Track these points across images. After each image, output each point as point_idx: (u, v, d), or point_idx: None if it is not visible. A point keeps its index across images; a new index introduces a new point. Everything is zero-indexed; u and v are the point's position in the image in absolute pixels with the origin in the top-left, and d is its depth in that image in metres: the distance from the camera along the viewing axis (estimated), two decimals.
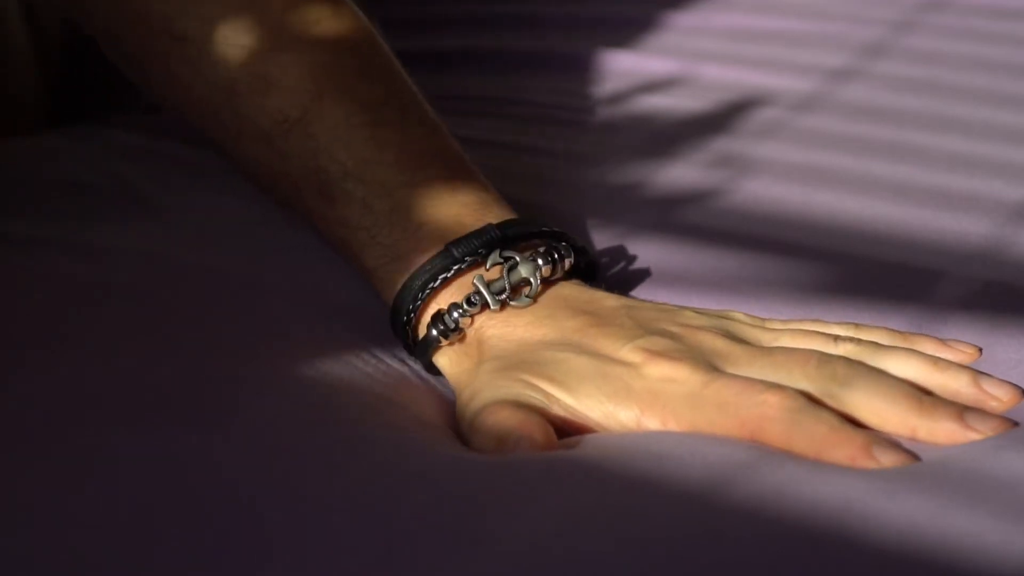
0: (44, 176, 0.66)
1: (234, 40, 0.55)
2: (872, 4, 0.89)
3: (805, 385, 0.45)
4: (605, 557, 0.37)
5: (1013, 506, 0.38)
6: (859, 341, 0.48)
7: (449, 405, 0.51)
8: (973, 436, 0.43)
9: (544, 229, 0.51)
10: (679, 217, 0.63)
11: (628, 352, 0.46)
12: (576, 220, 0.62)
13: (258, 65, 0.55)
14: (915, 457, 0.42)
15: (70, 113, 0.79)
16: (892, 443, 0.42)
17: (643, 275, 0.58)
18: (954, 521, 0.37)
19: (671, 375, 0.45)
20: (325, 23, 0.56)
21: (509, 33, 0.87)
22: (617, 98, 0.78)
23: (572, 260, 0.51)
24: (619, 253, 0.60)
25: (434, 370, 0.52)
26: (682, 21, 0.88)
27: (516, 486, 0.43)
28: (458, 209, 0.51)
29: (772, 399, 0.43)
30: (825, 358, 0.46)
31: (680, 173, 0.67)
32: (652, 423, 0.45)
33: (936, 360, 0.46)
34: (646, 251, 0.60)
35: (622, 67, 0.81)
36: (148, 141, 0.69)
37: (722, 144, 0.70)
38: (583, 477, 0.43)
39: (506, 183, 0.57)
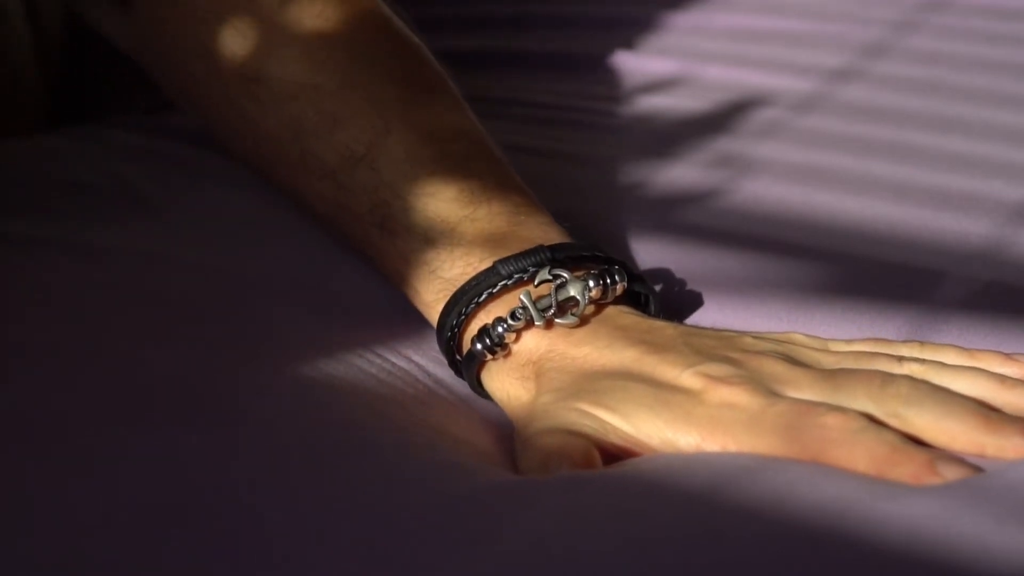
0: (44, 176, 0.66)
1: (304, 79, 0.55)
2: (872, 4, 0.89)
3: (870, 407, 0.44)
4: (606, 557, 0.37)
5: (1016, 508, 0.38)
6: (923, 361, 0.47)
7: (454, 403, 0.51)
8: None
9: (599, 254, 0.51)
10: (679, 217, 0.63)
11: (687, 378, 0.46)
12: (576, 220, 0.62)
13: (327, 102, 0.55)
14: (979, 471, 0.41)
15: (70, 113, 0.79)
16: (955, 458, 0.42)
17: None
18: (956, 523, 0.37)
19: (731, 401, 0.44)
20: (396, 61, 0.56)
21: (508, 34, 0.87)
22: (617, 98, 0.78)
23: (625, 285, 0.50)
24: (619, 253, 0.60)
25: (481, 392, 0.51)
26: (682, 21, 0.88)
27: (517, 487, 0.43)
28: (520, 244, 0.51)
29: (833, 421, 0.43)
30: (889, 378, 0.45)
31: (680, 173, 0.67)
32: (712, 450, 0.44)
33: (1002, 378, 0.46)
34: (646, 251, 0.60)
35: (622, 67, 0.81)
36: (148, 141, 0.69)
37: (722, 144, 0.70)
38: (585, 479, 0.43)
39: None
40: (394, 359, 0.52)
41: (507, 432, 0.50)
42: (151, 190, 0.64)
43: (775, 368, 0.46)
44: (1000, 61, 0.79)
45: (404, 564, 0.38)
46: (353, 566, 0.38)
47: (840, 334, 0.52)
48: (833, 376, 0.46)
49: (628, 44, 0.84)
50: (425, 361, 0.53)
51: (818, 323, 0.53)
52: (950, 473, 0.41)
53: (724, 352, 0.47)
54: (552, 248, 0.50)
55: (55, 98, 0.78)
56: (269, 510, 0.40)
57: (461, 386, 0.52)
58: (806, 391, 0.45)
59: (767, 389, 0.45)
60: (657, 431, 0.45)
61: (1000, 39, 0.83)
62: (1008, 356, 0.47)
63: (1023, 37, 0.83)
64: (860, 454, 0.42)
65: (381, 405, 0.49)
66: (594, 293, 0.49)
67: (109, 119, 0.75)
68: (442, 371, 0.52)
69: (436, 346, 0.53)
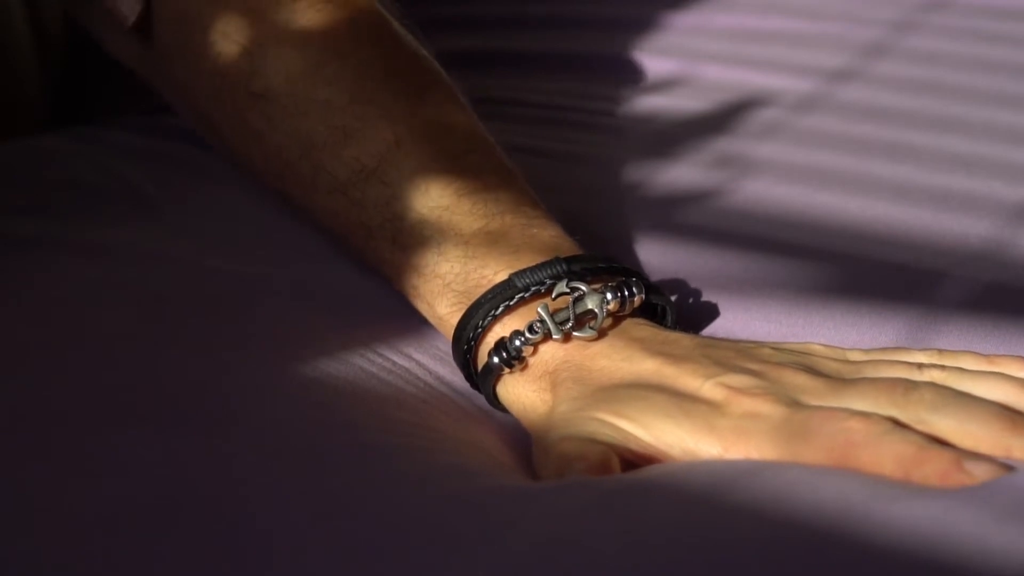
0: (44, 176, 0.66)
1: (312, 94, 0.55)
2: (872, 4, 0.89)
3: (894, 413, 0.44)
4: (606, 559, 0.37)
5: (1016, 508, 0.38)
6: (944, 367, 0.47)
7: (456, 400, 0.51)
8: None
9: (615, 266, 0.51)
10: (680, 217, 0.63)
11: (709, 390, 0.45)
12: (577, 220, 0.62)
13: (336, 117, 0.55)
14: (1007, 468, 0.41)
15: (70, 113, 0.79)
16: (983, 457, 0.42)
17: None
18: (957, 524, 0.37)
19: (754, 411, 0.44)
20: (405, 75, 0.56)
21: (507, 34, 0.87)
22: (617, 98, 0.78)
23: (642, 297, 0.49)
24: (619, 254, 0.60)
25: (498, 405, 0.51)
26: (682, 21, 0.88)
27: (518, 488, 0.43)
28: (533, 256, 0.51)
29: (857, 425, 0.43)
30: (911, 385, 0.45)
31: (681, 173, 0.67)
32: (734, 458, 0.44)
33: (1021, 384, 0.45)
34: (646, 251, 0.60)
35: (622, 67, 0.81)
36: (148, 141, 0.69)
37: (723, 144, 0.70)
38: (585, 483, 0.43)
39: None
40: (395, 357, 0.52)
41: (509, 429, 0.50)
42: (151, 190, 0.64)
43: (796, 378, 0.46)
44: (1000, 61, 0.79)
45: (404, 566, 0.38)
46: (353, 567, 0.38)
47: (839, 336, 0.52)
48: (855, 384, 0.45)
49: (628, 44, 0.84)
50: (426, 359, 0.53)
51: (817, 325, 0.53)
52: (978, 470, 0.41)
53: (744, 363, 0.47)
54: (568, 260, 0.50)
55: (55, 98, 0.78)
56: (269, 511, 0.40)
57: (463, 383, 0.52)
58: (828, 400, 0.45)
59: (789, 399, 0.45)
60: (679, 441, 0.45)
61: (1000, 39, 0.83)
62: None
63: (1023, 37, 0.83)
64: (886, 455, 0.42)
65: (382, 405, 0.49)
66: (612, 306, 0.49)
67: (109, 119, 0.75)
68: (444, 368, 0.52)
69: (438, 343, 0.53)
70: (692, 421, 0.45)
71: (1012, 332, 0.51)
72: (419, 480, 0.43)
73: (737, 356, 0.47)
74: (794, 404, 0.44)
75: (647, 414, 0.45)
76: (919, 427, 0.43)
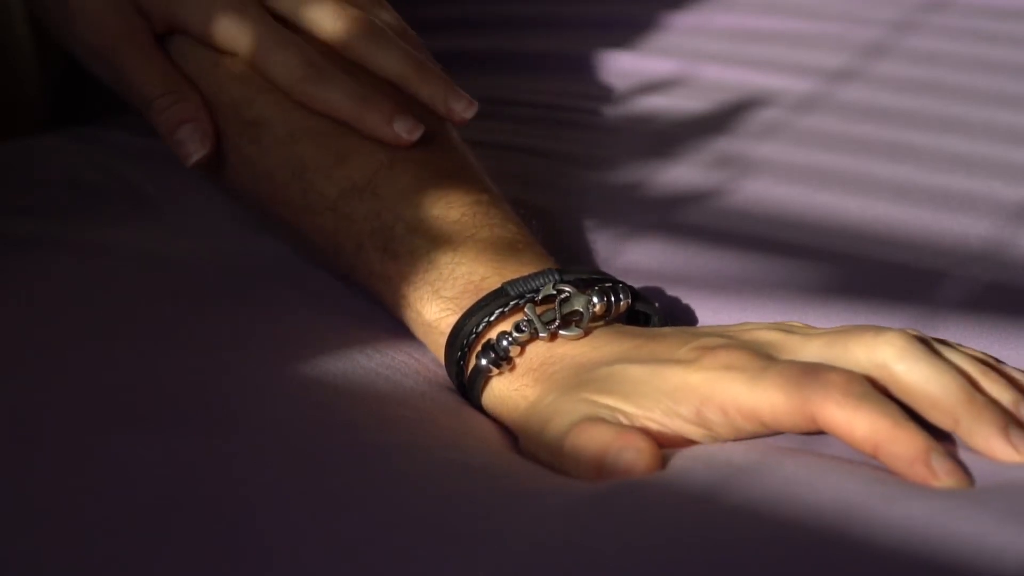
0: (44, 176, 0.66)
1: (306, 122, 0.55)
2: (872, 4, 0.89)
3: (861, 357, 0.44)
4: (605, 558, 0.37)
5: (1015, 508, 0.38)
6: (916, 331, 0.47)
7: (456, 395, 0.51)
8: (1010, 455, 0.42)
9: (604, 276, 0.51)
10: (680, 217, 0.63)
11: (684, 352, 0.46)
12: (576, 220, 0.62)
13: (330, 142, 0.55)
14: (970, 479, 0.41)
15: (70, 113, 0.79)
16: (951, 456, 0.42)
17: (643, 275, 0.58)
18: (955, 524, 0.37)
19: (729, 363, 0.45)
20: (404, 106, 0.56)
21: (508, 34, 0.87)
22: (617, 98, 0.78)
23: (628, 302, 0.50)
24: (619, 254, 0.60)
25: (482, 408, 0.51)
26: (682, 21, 0.88)
27: (518, 488, 0.43)
28: (520, 267, 0.51)
29: (837, 380, 0.43)
30: (882, 329, 0.45)
31: (680, 173, 0.67)
32: (712, 413, 0.45)
33: (985, 369, 0.45)
34: (646, 251, 0.60)
35: (622, 67, 0.81)
36: (148, 141, 0.69)
37: (722, 144, 0.70)
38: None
39: (505, 184, 0.57)
40: (395, 354, 0.52)
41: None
42: (151, 190, 0.64)
43: (768, 335, 0.47)
44: (1000, 61, 0.79)
45: (404, 566, 0.38)
46: (353, 567, 0.38)
47: None
48: (826, 334, 0.46)
49: (628, 44, 0.84)
50: (426, 357, 0.53)
51: (813, 324, 0.53)
52: (942, 469, 0.41)
53: (720, 332, 0.48)
54: (559, 271, 0.51)
55: (55, 98, 0.78)
56: (269, 511, 0.40)
57: None
58: (801, 354, 0.45)
59: (763, 353, 0.45)
60: (657, 403, 0.45)
61: (1000, 39, 0.83)
62: (997, 360, 0.47)
63: (1023, 37, 0.83)
64: (862, 420, 0.42)
65: (382, 404, 0.49)
66: (598, 309, 0.49)
67: (109, 119, 0.75)
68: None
69: None
70: (667, 381, 0.46)
71: (1012, 332, 0.51)
72: (419, 480, 0.43)
73: (713, 330, 0.48)
74: (768, 358, 0.45)
75: (626, 384, 0.46)
76: (881, 374, 0.43)
